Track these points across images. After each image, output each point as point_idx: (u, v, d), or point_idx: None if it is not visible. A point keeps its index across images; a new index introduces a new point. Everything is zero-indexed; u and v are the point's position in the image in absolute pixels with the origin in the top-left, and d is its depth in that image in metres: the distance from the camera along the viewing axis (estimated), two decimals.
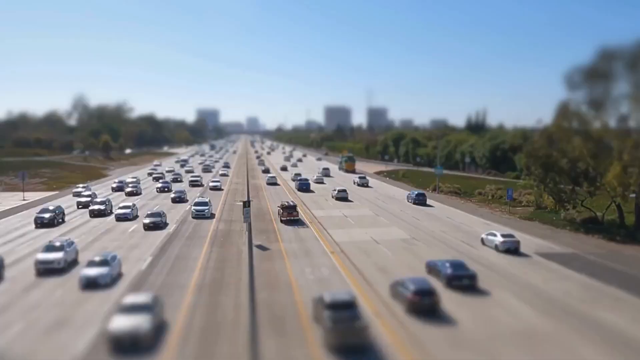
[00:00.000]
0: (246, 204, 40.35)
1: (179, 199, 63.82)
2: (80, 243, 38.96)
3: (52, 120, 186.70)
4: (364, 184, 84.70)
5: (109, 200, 56.24)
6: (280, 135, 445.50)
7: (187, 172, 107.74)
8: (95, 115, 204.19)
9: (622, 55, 43.82)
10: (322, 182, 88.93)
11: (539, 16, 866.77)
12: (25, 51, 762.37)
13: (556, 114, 48.43)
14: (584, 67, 45.70)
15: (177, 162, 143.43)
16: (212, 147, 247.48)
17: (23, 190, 70.40)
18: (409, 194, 66.66)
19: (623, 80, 44.26)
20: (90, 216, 51.94)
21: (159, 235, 42.38)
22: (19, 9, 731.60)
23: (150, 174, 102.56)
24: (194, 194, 70.05)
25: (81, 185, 78.84)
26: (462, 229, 47.06)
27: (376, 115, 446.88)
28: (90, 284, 27.70)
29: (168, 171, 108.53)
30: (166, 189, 75.78)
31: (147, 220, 45.55)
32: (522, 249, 38.21)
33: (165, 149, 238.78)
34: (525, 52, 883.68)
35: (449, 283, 28.09)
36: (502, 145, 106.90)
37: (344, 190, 67.95)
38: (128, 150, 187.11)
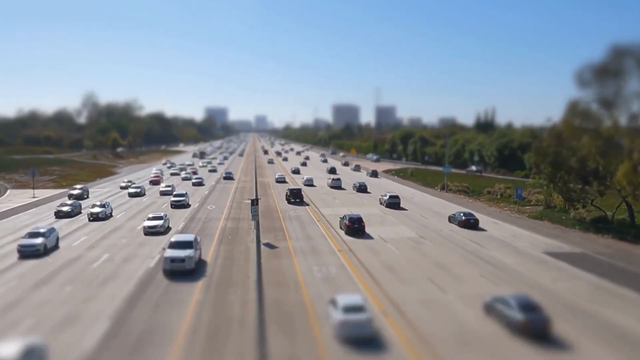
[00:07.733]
0: (254, 202, 40.45)
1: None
2: (89, 240, 39.68)
3: (61, 118, 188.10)
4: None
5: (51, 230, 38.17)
6: (288, 133, 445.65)
7: None
8: (104, 113, 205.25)
9: (633, 52, 43.35)
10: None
11: (549, 15, 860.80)
12: (36, 49, 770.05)
13: (565, 112, 48.06)
14: (595, 64, 45.25)
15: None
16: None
17: (33, 188, 71.09)
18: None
19: (634, 78, 43.79)
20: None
21: (167, 234, 42.64)
22: (32, 8, 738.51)
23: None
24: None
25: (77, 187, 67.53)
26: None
27: (384, 113, 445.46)
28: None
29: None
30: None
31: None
32: (531, 249, 38.01)
33: (163, 147, 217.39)
34: (535, 50, 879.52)
35: None
36: (511, 144, 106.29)
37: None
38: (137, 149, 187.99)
